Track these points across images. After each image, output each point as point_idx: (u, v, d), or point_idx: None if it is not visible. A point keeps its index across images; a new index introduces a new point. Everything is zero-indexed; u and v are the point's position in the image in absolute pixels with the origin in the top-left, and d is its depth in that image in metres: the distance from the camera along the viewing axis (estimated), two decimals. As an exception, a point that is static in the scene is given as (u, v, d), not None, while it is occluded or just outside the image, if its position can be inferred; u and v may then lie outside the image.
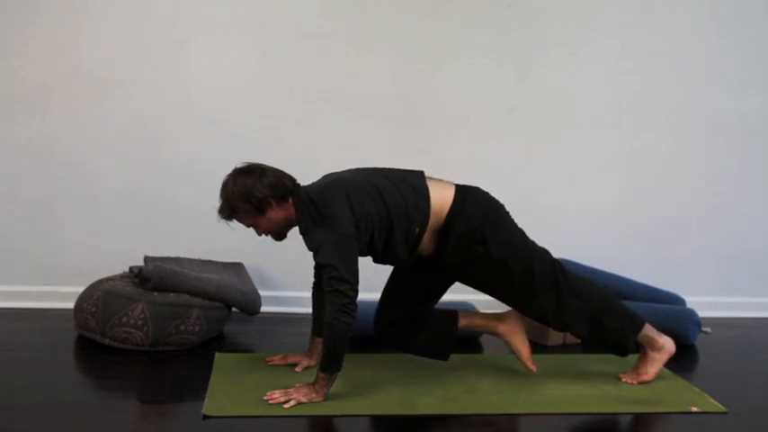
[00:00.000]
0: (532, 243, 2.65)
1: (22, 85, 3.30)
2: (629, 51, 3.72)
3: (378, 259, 2.62)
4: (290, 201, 2.52)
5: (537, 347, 3.22)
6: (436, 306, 2.82)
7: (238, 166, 2.57)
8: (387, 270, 2.79)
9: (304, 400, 2.39)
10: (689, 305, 3.50)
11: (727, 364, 3.14)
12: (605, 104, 3.74)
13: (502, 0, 3.59)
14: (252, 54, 3.45)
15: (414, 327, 2.73)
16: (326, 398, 2.43)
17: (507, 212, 2.66)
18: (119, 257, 3.21)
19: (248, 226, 2.61)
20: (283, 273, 3.58)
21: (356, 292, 2.38)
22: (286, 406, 2.36)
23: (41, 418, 2.23)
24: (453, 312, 2.81)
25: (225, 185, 2.54)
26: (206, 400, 2.40)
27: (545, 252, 2.67)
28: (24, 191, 3.37)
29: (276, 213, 2.52)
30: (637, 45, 3.73)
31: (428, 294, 2.75)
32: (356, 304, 2.37)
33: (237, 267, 3.38)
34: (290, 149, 3.50)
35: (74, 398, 2.41)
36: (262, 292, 3.28)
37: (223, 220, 2.59)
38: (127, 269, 3.13)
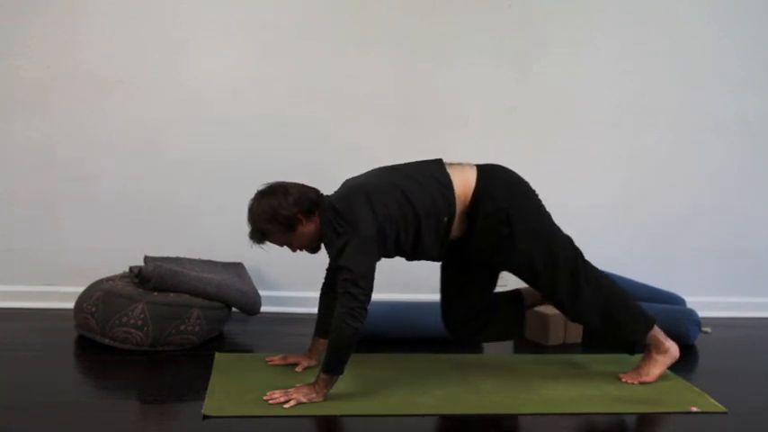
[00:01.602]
0: (557, 228, 2.65)
1: (22, 85, 3.31)
2: (629, 51, 3.72)
3: (410, 257, 2.61)
4: (317, 213, 2.51)
5: (537, 347, 3.23)
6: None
7: (260, 188, 2.55)
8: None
9: (304, 400, 2.39)
10: (689, 305, 3.49)
11: (727, 364, 3.14)
12: (605, 104, 3.74)
13: (502, 0, 3.59)
14: (252, 54, 3.45)
15: (484, 319, 2.76)
16: (326, 398, 2.43)
17: (533, 191, 2.65)
18: (119, 257, 3.21)
19: (281, 245, 2.59)
20: (283, 273, 3.58)
21: (368, 297, 2.38)
22: (286, 406, 2.36)
23: (41, 418, 2.23)
24: (517, 292, 2.86)
25: (251, 210, 2.53)
26: (206, 400, 2.39)
27: (569, 239, 2.67)
28: (24, 191, 3.37)
29: (306, 228, 2.51)
30: (637, 45, 3.73)
31: (480, 288, 2.75)
32: (366, 309, 2.37)
33: (237, 267, 3.38)
34: (290, 149, 3.50)
35: (74, 398, 2.40)
36: (262, 292, 3.28)
37: (256, 245, 2.56)
38: (127, 269, 3.13)
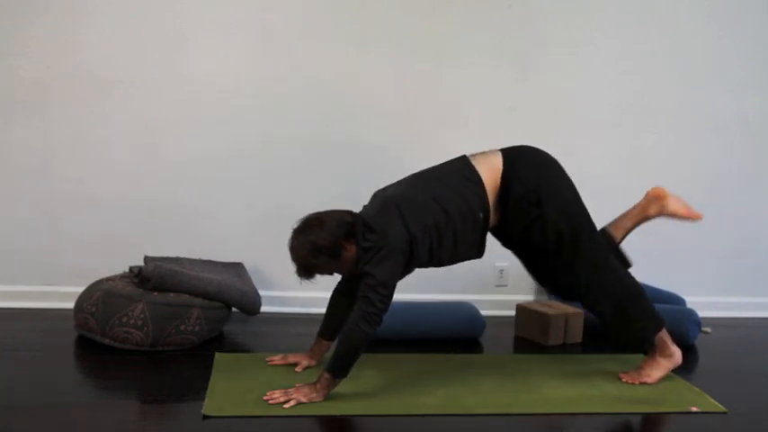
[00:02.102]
0: (585, 209, 2.66)
1: (21, 85, 3.30)
2: (629, 51, 3.73)
3: (449, 262, 2.62)
4: (355, 233, 2.50)
5: (537, 347, 3.23)
6: None
7: (294, 226, 2.54)
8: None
9: (304, 400, 2.39)
10: (689, 305, 3.50)
11: (727, 364, 3.14)
12: (605, 104, 3.74)
13: (502, 0, 3.59)
14: (252, 54, 3.45)
15: None
16: (326, 398, 2.43)
17: (560, 168, 2.67)
18: (119, 257, 3.21)
19: (331, 274, 2.60)
20: (283, 273, 3.54)
21: (386, 306, 2.39)
22: (286, 406, 2.36)
23: (41, 418, 2.22)
24: (603, 231, 2.85)
25: (292, 250, 2.52)
26: (206, 400, 2.39)
27: (595, 227, 2.69)
28: (24, 191, 3.37)
29: (350, 252, 2.50)
30: (637, 45, 3.73)
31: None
32: (381, 317, 2.38)
33: (237, 267, 3.38)
34: (291, 149, 3.50)
35: (74, 398, 2.40)
36: (262, 292, 3.28)
37: (305, 281, 2.56)
38: (127, 269, 3.13)
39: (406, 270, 2.53)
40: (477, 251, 2.63)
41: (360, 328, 2.35)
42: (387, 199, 2.52)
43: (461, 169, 2.57)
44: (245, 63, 3.45)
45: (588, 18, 3.68)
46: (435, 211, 2.47)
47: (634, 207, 2.88)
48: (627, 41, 3.72)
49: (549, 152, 3.69)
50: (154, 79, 3.38)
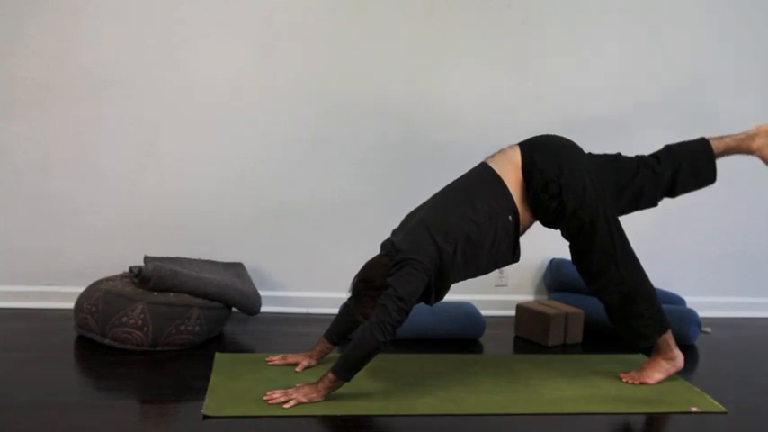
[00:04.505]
0: (606, 201, 2.67)
1: (21, 84, 3.30)
2: (629, 51, 3.72)
3: (488, 269, 2.63)
4: None
5: (537, 347, 3.23)
6: None
7: (347, 300, 2.62)
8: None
9: (304, 400, 2.39)
10: (689, 305, 3.50)
11: (727, 364, 3.14)
12: (605, 104, 3.74)
13: (502, 0, 3.59)
14: (252, 54, 3.45)
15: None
16: (326, 398, 2.43)
17: (581, 156, 2.67)
18: (119, 257, 3.21)
19: None
20: (283, 273, 3.58)
21: (402, 318, 2.39)
22: (286, 406, 2.36)
23: (41, 418, 2.23)
24: (703, 141, 2.87)
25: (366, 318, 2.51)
26: (206, 400, 2.39)
27: (616, 217, 2.71)
28: (24, 191, 3.37)
29: None
30: (637, 45, 3.73)
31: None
32: (395, 328, 2.38)
33: (237, 267, 3.38)
34: (291, 149, 3.50)
35: (74, 398, 2.40)
36: (262, 292, 3.28)
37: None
38: (127, 269, 3.13)
39: (443, 287, 2.54)
40: (513, 255, 2.64)
41: (373, 336, 2.35)
42: (416, 222, 2.53)
43: (483, 178, 2.59)
44: (246, 63, 3.44)
45: (589, 18, 3.67)
46: (465, 224, 2.48)
47: (742, 132, 2.85)
48: (627, 41, 3.72)
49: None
50: (154, 79, 3.38)
